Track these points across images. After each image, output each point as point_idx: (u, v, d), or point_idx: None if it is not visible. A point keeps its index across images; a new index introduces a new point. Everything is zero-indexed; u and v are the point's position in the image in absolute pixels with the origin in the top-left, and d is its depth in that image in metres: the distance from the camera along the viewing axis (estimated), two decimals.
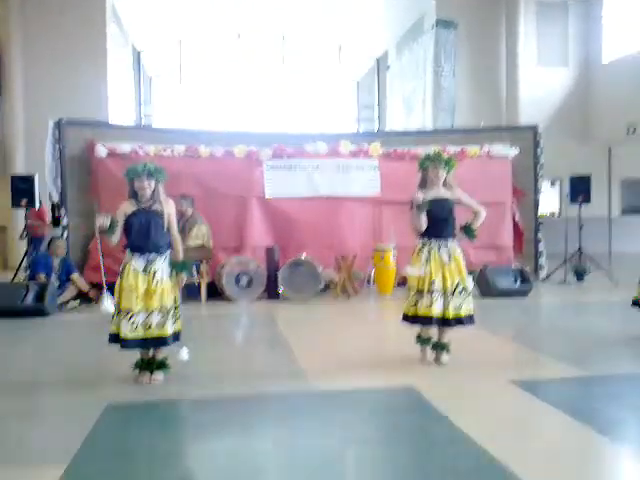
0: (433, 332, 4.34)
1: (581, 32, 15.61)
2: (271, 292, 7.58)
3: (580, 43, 15.62)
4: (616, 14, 14.99)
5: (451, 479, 2.49)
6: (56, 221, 8.72)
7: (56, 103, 11.35)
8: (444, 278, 4.19)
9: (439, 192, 4.28)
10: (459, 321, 4.23)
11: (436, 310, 4.17)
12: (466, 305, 4.24)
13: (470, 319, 4.28)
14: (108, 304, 3.96)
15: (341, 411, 3.40)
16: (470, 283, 4.31)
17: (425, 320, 4.23)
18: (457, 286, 4.21)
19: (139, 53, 16.67)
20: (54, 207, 9.02)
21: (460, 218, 4.42)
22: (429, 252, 4.24)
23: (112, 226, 3.87)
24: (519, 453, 2.71)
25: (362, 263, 8.13)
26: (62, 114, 8.42)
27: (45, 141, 8.13)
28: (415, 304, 4.25)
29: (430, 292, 4.17)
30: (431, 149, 8.81)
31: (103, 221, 3.86)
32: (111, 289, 4.02)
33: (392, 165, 8.78)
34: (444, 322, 4.22)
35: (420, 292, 4.22)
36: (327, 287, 7.92)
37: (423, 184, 4.33)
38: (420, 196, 4.20)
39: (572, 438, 2.95)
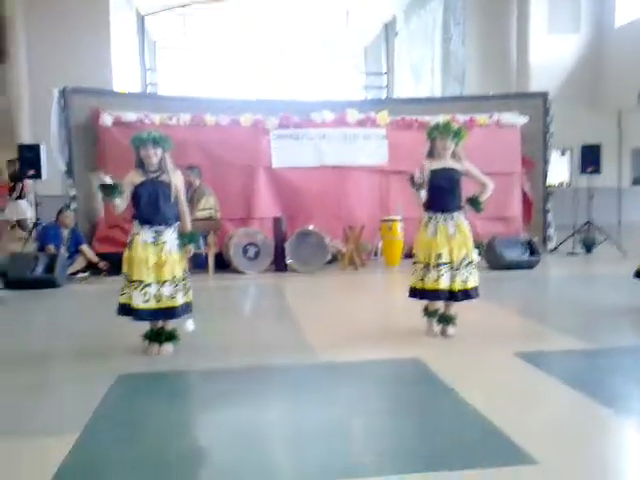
0: (440, 305, 4.35)
1: None
2: (278, 263, 7.61)
3: (592, 8, 15.23)
4: None
5: (455, 450, 2.52)
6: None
7: (60, 71, 11.24)
8: (451, 251, 4.18)
9: (446, 163, 4.23)
10: (466, 294, 4.23)
11: (443, 284, 4.17)
12: (473, 277, 4.24)
13: (476, 291, 4.28)
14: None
15: (347, 383, 3.43)
16: (476, 255, 4.30)
17: (432, 294, 4.23)
18: (464, 259, 4.20)
19: (143, 17, 16.40)
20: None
21: (468, 191, 4.39)
22: (435, 225, 4.22)
23: (115, 187, 3.85)
24: (523, 425, 2.74)
25: (369, 234, 8.12)
26: (67, 82, 8.36)
27: (50, 110, 8.09)
28: (422, 278, 4.24)
29: (437, 266, 4.17)
30: (440, 118, 8.75)
31: (102, 178, 3.85)
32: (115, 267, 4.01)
33: (400, 134, 8.69)
34: (451, 296, 4.22)
35: (427, 266, 4.22)
36: (335, 258, 7.94)
37: (431, 154, 4.29)
38: (417, 174, 4.15)
39: (576, 410, 2.98)
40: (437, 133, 4.21)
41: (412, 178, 4.16)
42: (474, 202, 4.31)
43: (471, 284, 4.23)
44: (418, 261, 4.30)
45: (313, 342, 4.25)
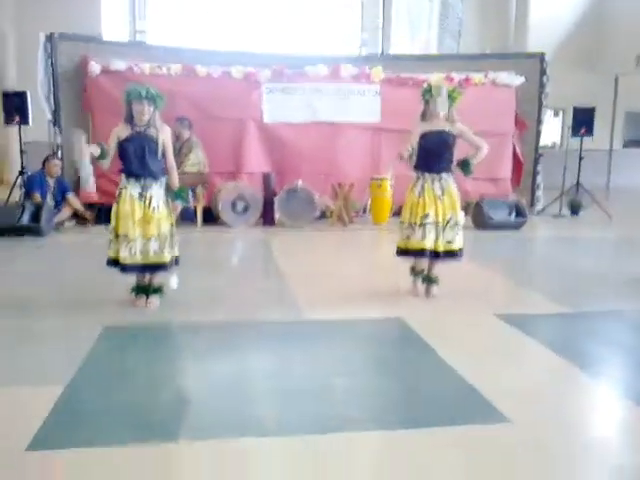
0: (426, 265, 4.41)
1: None
2: (267, 218, 7.61)
3: None
4: None
5: (432, 408, 2.60)
6: None
7: (47, 16, 10.88)
8: (436, 212, 4.20)
9: (438, 125, 4.21)
10: (450, 255, 4.28)
11: (428, 243, 4.21)
12: (458, 239, 4.28)
13: (460, 253, 4.33)
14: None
15: (331, 341, 3.50)
16: (462, 217, 4.33)
17: (417, 253, 4.28)
18: (450, 220, 4.23)
19: None
20: None
21: (463, 152, 4.36)
22: (422, 186, 4.23)
23: (102, 153, 3.84)
24: (499, 385, 2.82)
25: (359, 192, 8.11)
26: (54, 27, 8.10)
27: (37, 56, 7.88)
28: (408, 237, 4.28)
29: (423, 225, 4.20)
30: (434, 76, 8.65)
31: (94, 150, 3.82)
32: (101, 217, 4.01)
33: (394, 91, 8.57)
34: (435, 255, 4.27)
35: (411, 225, 4.25)
36: (323, 215, 7.95)
37: (424, 116, 4.26)
38: (404, 153, 4.18)
39: (553, 372, 3.06)
40: (428, 95, 4.17)
41: (401, 157, 4.19)
42: (464, 165, 4.29)
43: (456, 246, 4.28)
44: (403, 220, 4.34)
45: (298, 299, 4.31)
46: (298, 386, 2.82)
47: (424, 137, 4.20)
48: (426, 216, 4.19)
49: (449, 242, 4.24)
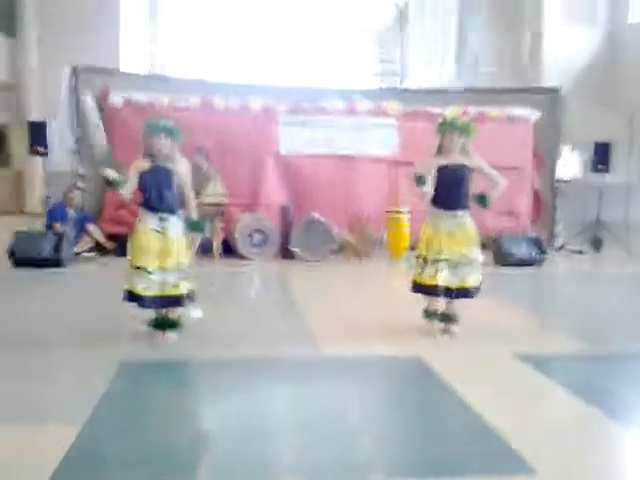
0: (439, 306, 4.34)
1: None
2: (284, 251, 7.60)
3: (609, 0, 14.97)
4: None
5: (452, 455, 2.52)
6: None
7: (69, 48, 11.18)
8: (451, 249, 4.14)
9: (454, 159, 4.18)
10: (464, 293, 4.20)
11: (440, 280, 4.15)
12: (473, 277, 4.20)
13: (476, 291, 4.24)
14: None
15: (349, 378, 3.45)
16: (479, 255, 4.27)
17: (430, 290, 4.22)
18: (465, 257, 4.17)
19: None
20: None
21: (480, 187, 4.34)
22: (438, 221, 4.19)
23: (117, 182, 3.87)
24: (521, 431, 2.74)
25: (376, 225, 8.09)
26: (75, 59, 8.32)
27: (59, 86, 8.07)
28: (421, 273, 4.24)
29: (436, 262, 4.15)
30: (449, 109, 8.70)
31: (109, 174, 3.87)
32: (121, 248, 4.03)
33: (410, 125, 8.62)
34: (447, 293, 4.20)
35: (425, 260, 4.21)
36: (341, 248, 7.93)
37: (440, 150, 4.24)
38: (419, 169, 4.15)
39: (576, 418, 2.97)
40: (443, 128, 4.17)
41: (415, 176, 4.15)
42: (482, 199, 4.25)
43: (470, 283, 4.19)
44: (419, 255, 4.29)
45: (316, 334, 4.26)
46: (316, 429, 2.76)
47: (441, 171, 4.17)
48: (439, 252, 4.15)
49: (462, 279, 4.17)
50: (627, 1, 14.62)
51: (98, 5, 12.44)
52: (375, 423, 2.84)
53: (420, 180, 4.14)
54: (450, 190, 4.17)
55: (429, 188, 4.19)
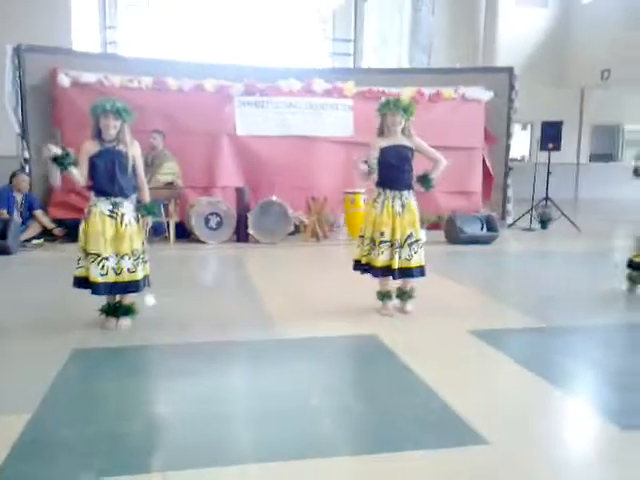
0: (391, 287, 4.40)
1: None
2: (241, 234, 7.56)
3: None
4: None
5: (408, 430, 2.59)
6: None
7: (15, 27, 10.74)
8: (394, 229, 4.18)
9: (396, 140, 4.20)
10: (408, 272, 4.24)
11: (381, 261, 4.19)
12: (417, 257, 4.24)
13: (420, 271, 4.27)
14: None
15: (306, 359, 3.48)
16: (423, 235, 4.33)
17: (372, 270, 4.26)
18: (409, 237, 4.21)
19: None
20: None
21: (422, 167, 4.38)
22: (383, 202, 4.22)
23: (67, 156, 3.71)
24: (475, 404, 2.83)
25: (333, 206, 8.13)
26: (22, 38, 7.98)
27: (4, 68, 7.73)
28: (368, 253, 4.27)
29: (379, 243, 4.18)
30: (406, 90, 8.76)
31: (51, 150, 3.70)
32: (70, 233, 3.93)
33: (366, 105, 8.59)
34: (389, 272, 4.23)
35: (372, 241, 4.24)
36: (297, 229, 7.93)
37: (381, 131, 4.25)
38: (363, 167, 4.14)
39: (527, 390, 3.08)
40: (387, 109, 4.15)
41: (361, 172, 4.17)
42: (424, 179, 4.29)
43: (415, 263, 4.23)
44: (365, 236, 4.31)
45: (273, 316, 4.28)
46: (272, 409, 2.78)
47: (384, 153, 4.18)
48: (381, 234, 4.19)
49: (407, 259, 4.21)
50: None
51: None
52: (332, 402, 2.88)
53: (371, 168, 4.16)
54: (394, 170, 4.18)
55: (374, 169, 4.21)
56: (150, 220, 4.04)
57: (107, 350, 3.55)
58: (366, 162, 4.17)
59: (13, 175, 7.27)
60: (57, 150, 3.71)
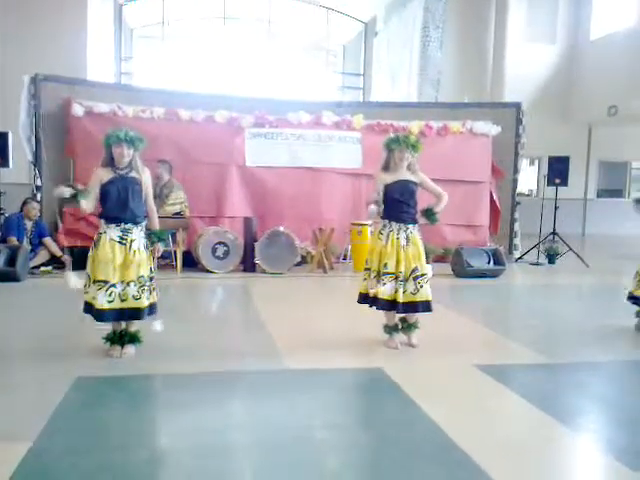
0: (396, 319, 4.39)
1: (571, 7, 15.46)
2: (247, 263, 7.58)
3: (568, 19, 15.48)
4: None
5: (412, 466, 2.55)
6: None
7: (32, 57, 11.02)
8: (398, 261, 4.18)
9: (402, 175, 4.24)
10: (413, 307, 4.22)
11: (385, 293, 4.17)
12: (423, 291, 4.22)
13: (426, 306, 4.24)
14: (75, 280, 3.90)
15: (311, 391, 3.45)
16: (429, 269, 4.33)
17: (376, 302, 4.24)
18: (413, 271, 4.19)
19: (121, 6, 16.13)
20: None
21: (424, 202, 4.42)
22: (388, 235, 4.23)
23: (77, 196, 3.79)
24: (480, 441, 2.79)
25: (340, 237, 8.16)
26: (38, 69, 8.17)
27: (20, 97, 7.90)
28: (370, 285, 4.26)
29: (385, 275, 4.17)
30: (414, 123, 8.87)
31: (62, 191, 3.76)
32: (79, 261, 3.96)
33: (375, 138, 8.70)
34: (394, 306, 4.21)
35: (375, 273, 4.24)
36: (304, 260, 7.95)
37: (386, 166, 4.29)
38: (374, 208, 4.19)
39: (533, 427, 3.04)
40: (395, 145, 4.21)
41: (371, 214, 4.22)
42: (428, 213, 4.33)
43: (420, 297, 4.20)
44: (371, 268, 4.30)
45: (279, 347, 4.26)
46: (275, 442, 2.75)
47: (390, 188, 4.21)
48: (385, 266, 4.19)
49: (412, 294, 4.19)
50: (588, 20, 15.15)
51: (63, 14, 12.25)
52: (336, 436, 2.85)
53: (380, 207, 4.21)
54: (400, 205, 4.21)
55: (381, 204, 4.25)
56: (161, 247, 4.08)
57: (111, 379, 3.54)
58: (376, 202, 4.22)
59: (24, 203, 7.36)
60: (67, 192, 3.77)
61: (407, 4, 15.17)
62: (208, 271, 7.42)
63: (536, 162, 15.65)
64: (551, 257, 9.20)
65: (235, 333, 4.81)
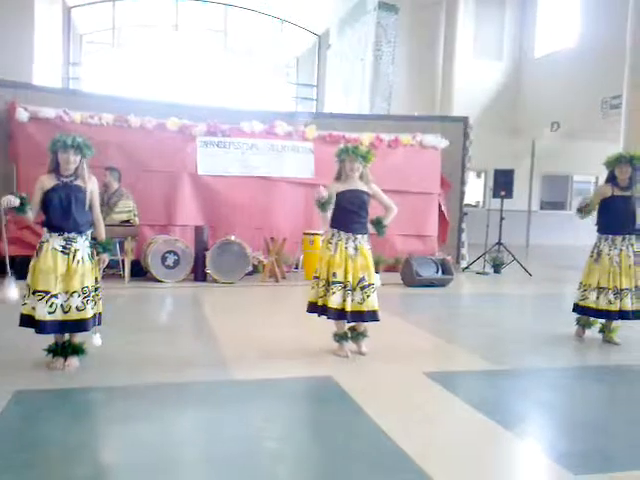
0: (345, 327, 4.41)
1: (516, 26, 16.07)
2: (198, 273, 7.49)
3: (514, 36, 16.09)
4: (550, 9, 15.48)
5: (359, 472, 2.57)
6: None
7: None
8: (346, 271, 4.21)
9: (353, 185, 4.28)
10: (360, 316, 4.26)
11: (333, 302, 4.19)
12: (370, 300, 4.25)
13: (372, 315, 4.28)
14: (13, 292, 3.77)
15: (259, 402, 3.43)
16: (377, 279, 4.37)
17: (324, 311, 4.26)
18: (360, 281, 4.23)
19: (70, 9, 15.77)
20: None
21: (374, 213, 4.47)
22: (337, 244, 4.25)
23: (23, 205, 3.66)
24: (426, 446, 2.84)
25: (291, 247, 8.17)
26: None
27: None
28: (323, 295, 4.28)
29: (333, 284, 4.20)
30: (366, 135, 8.99)
31: (8, 201, 3.61)
32: (19, 269, 3.83)
33: (327, 149, 8.78)
34: (342, 315, 4.23)
35: (324, 282, 4.26)
36: (255, 269, 7.91)
37: (339, 176, 4.34)
38: (323, 193, 4.17)
39: (476, 431, 3.11)
40: (345, 155, 4.26)
41: (319, 202, 4.21)
42: (377, 224, 4.39)
43: (367, 307, 4.24)
44: (320, 277, 4.31)
45: (228, 357, 4.22)
46: (225, 453, 2.72)
47: (340, 197, 4.24)
48: (334, 275, 4.21)
49: (359, 303, 4.23)
50: (533, 38, 15.75)
51: (8, 14, 11.87)
52: (285, 445, 2.84)
53: (323, 206, 4.22)
54: (350, 215, 4.25)
55: (329, 212, 4.28)
56: (107, 257, 3.98)
57: (53, 392, 3.42)
58: (326, 187, 4.23)
59: None
60: (15, 201, 3.64)
61: (360, 18, 15.42)
62: (158, 280, 7.29)
63: (482, 175, 16.11)
64: (496, 267, 9.47)
65: (183, 344, 4.74)
